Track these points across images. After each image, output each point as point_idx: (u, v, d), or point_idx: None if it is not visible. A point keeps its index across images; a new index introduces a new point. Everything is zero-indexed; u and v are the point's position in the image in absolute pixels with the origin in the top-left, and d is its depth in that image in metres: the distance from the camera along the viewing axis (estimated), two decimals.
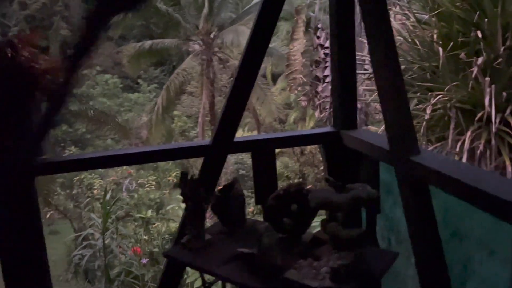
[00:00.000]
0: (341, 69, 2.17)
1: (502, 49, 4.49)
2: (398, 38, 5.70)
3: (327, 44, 8.71)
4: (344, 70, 2.17)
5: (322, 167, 9.76)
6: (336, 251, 1.67)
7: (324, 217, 1.79)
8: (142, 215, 6.70)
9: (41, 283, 2.16)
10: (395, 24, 6.02)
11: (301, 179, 11.55)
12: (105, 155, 2.17)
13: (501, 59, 4.50)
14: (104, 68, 16.72)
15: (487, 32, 4.61)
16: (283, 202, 1.87)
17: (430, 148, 5.15)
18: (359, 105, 8.66)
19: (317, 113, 8.80)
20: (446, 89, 4.80)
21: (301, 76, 9.68)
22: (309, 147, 10.52)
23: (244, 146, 2.32)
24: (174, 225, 6.61)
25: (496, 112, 4.44)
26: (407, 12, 5.80)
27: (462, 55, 4.68)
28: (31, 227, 2.08)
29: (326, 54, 8.85)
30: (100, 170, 9.52)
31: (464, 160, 4.65)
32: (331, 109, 3.52)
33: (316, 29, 9.36)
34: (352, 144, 2.14)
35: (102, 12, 1.48)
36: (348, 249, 1.65)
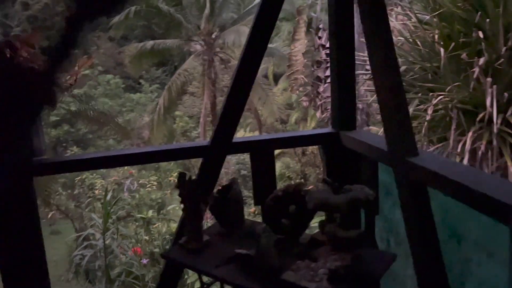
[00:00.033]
0: (340, 70, 2.16)
1: (503, 49, 4.48)
2: (399, 38, 5.69)
3: (328, 45, 8.68)
4: (343, 71, 2.16)
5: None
6: (334, 252, 1.67)
7: (323, 218, 1.79)
8: (143, 215, 6.70)
9: (40, 284, 2.16)
10: (396, 24, 6.01)
11: (302, 180, 11.55)
12: (103, 155, 2.17)
13: (502, 59, 4.48)
14: (106, 68, 16.74)
15: (489, 33, 4.59)
16: (281, 203, 1.86)
17: (432, 148, 5.13)
18: (360, 106, 8.64)
19: (318, 114, 8.79)
20: (447, 89, 4.79)
21: (303, 76, 9.67)
22: (310, 147, 10.51)
23: (243, 146, 2.32)
24: (175, 226, 6.61)
25: (498, 112, 4.42)
26: (408, 12, 5.79)
27: (464, 55, 4.66)
28: (30, 227, 2.08)
29: (327, 55, 8.83)
30: (101, 170, 9.53)
31: (465, 161, 4.64)
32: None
33: (318, 29, 9.36)
34: (351, 145, 2.14)
35: (82, 15, 1.49)
36: (346, 250, 1.65)
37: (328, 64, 9.29)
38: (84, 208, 8.09)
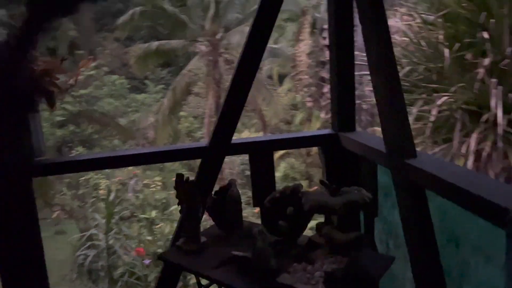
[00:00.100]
0: (340, 70, 2.15)
1: (509, 50, 4.44)
2: (404, 39, 5.66)
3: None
4: (343, 72, 2.15)
5: None
6: (331, 255, 1.65)
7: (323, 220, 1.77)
8: (146, 216, 6.71)
9: (40, 284, 2.16)
10: (401, 25, 5.98)
11: (307, 180, 11.52)
12: (102, 156, 2.17)
13: (507, 60, 4.44)
14: (111, 69, 16.81)
15: (494, 33, 4.56)
16: (279, 204, 1.85)
17: (436, 149, 5.10)
18: (365, 106, 8.61)
19: (322, 114, 8.76)
20: (452, 90, 4.76)
21: (307, 77, 9.65)
22: (315, 148, 10.48)
23: (241, 148, 2.31)
24: None
25: (503, 113, 4.39)
26: (413, 13, 5.76)
27: (469, 56, 4.63)
28: (29, 227, 2.08)
29: None
30: (106, 170, 9.55)
31: (470, 162, 4.60)
32: None
33: (322, 30, 9.34)
34: (350, 147, 2.12)
35: (40, 16, 1.50)
36: (343, 252, 1.63)
37: None
38: (88, 208, 8.11)
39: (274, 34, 14.63)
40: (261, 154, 2.24)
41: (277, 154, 12.11)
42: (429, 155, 1.82)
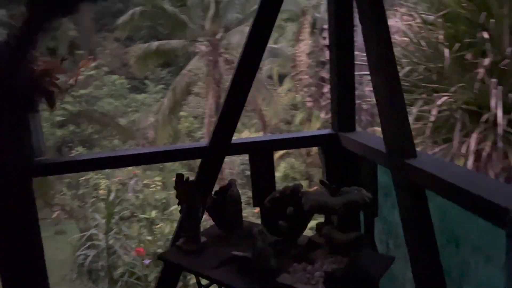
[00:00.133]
0: (340, 71, 2.15)
1: (509, 50, 4.44)
2: (404, 39, 5.66)
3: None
4: (342, 72, 2.15)
5: None
6: (331, 255, 1.65)
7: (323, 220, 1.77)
8: (146, 216, 6.71)
9: (39, 284, 2.16)
10: (401, 25, 5.98)
11: (307, 180, 11.52)
12: (101, 156, 2.17)
13: (507, 60, 4.44)
14: (111, 69, 16.81)
15: (494, 33, 4.56)
16: (279, 204, 1.85)
17: (436, 149, 5.10)
18: (365, 106, 8.60)
19: (322, 114, 8.76)
20: (452, 90, 4.76)
21: (307, 77, 9.65)
22: (315, 148, 10.48)
23: (241, 148, 2.31)
24: None
25: (503, 113, 4.39)
26: (413, 13, 5.76)
27: (468, 56, 4.63)
28: (29, 228, 2.08)
29: None
30: (106, 170, 9.55)
31: (470, 162, 4.60)
32: None
33: (322, 30, 9.34)
34: (350, 147, 2.12)
35: (40, 16, 1.50)
36: (343, 253, 1.63)
37: None
38: (88, 208, 8.11)
39: (274, 34, 14.63)
40: (261, 154, 2.24)
41: (277, 154, 12.11)
42: (429, 155, 1.82)
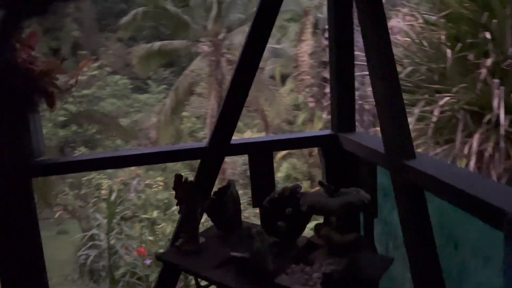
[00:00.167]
0: (340, 71, 2.15)
1: (511, 50, 4.43)
2: (406, 39, 5.65)
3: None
4: (342, 72, 2.14)
5: None
6: (330, 256, 1.65)
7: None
8: (147, 216, 6.71)
9: (39, 284, 2.16)
10: (403, 25, 5.97)
11: (309, 181, 11.51)
12: (100, 157, 2.17)
13: (510, 60, 4.43)
14: (114, 69, 16.84)
15: (496, 33, 4.55)
16: (278, 205, 1.85)
17: (438, 150, 5.09)
18: (367, 107, 8.59)
19: (324, 115, 8.75)
20: (454, 91, 4.74)
21: (309, 77, 9.64)
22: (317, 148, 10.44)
23: (241, 148, 2.30)
24: None
25: (505, 114, 4.37)
26: (415, 13, 5.75)
27: (471, 56, 4.62)
28: (29, 228, 2.08)
29: None
30: (108, 170, 9.58)
31: (472, 163, 4.59)
32: None
33: (324, 30, 9.32)
34: (350, 147, 2.12)
35: (14, 17, 1.50)
36: (342, 254, 1.63)
37: None
38: (90, 208, 8.13)
39: (276, 34, 14.64)
40: (260, 155, 2.24)
41: (279, 154, 12.10)
42: (428, 156, 1.81)
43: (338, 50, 2.14)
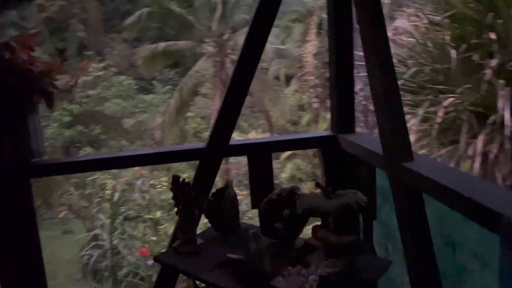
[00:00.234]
0: (339, 72, 2.13)
1: None
2: (410, 39, 5.62)
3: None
4: (341, 73, 2.13)
5: None
6: (327, 258, 1.64)
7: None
8: (151, 216, 6.73)
9: (37, 284, 2.17)
10: (408, 25, 5.93)
11: (313, 181, 11.48)
12: (100, 157, 2.17)
13: None
14: (119, 70, 16.91)
15: (501, 34, 4.50)
16: (276, 207, 1.84)
17: (442, 151, 5.05)
18: (372, 107, 8.56)
19: (329, 115, 8.70)
20: (458, 91, 4.71)
21: (313, 78, 9.61)
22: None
23: (240, 149, 2.30)
24: None
25: (510, 115, 4.32)
26: (419, 13, 5.71)
27: (475, 57, 4.57)
28: (28, 228, 2.09)
29: None
30: (113, 170, 9.61)
31: (476, 164, 4.55)
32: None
33: None
34: (349, 149, 2.10)
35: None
36: (339, 256, 1.61)
37: None
38: (95, 208, 8.16)
39: (281, 35, 14.62)
40: (260, 156, 2.23)
41: (284, 155, 12.09)
42: (426, 158, 1.79)
43: (338, 51, 2.13)
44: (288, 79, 15.30)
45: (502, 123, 4.42)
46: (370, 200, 1.89)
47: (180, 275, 2.37)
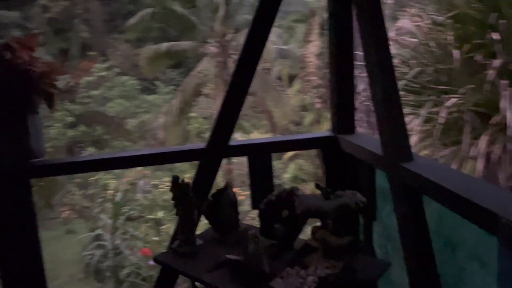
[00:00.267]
0: (339, 73, 2.13)
1: None
2: (413, 40, 5.60)
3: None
4: (341, 74, 2.12)
5: None
6: (326, 259, 1.63)
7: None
8: (153, 216, 6.74)
9: (37, 284, 2.17)
10: (410, 26, 5.91)
11: (316, 182, 11.44)
12: (100, 158, 2.17)
13: None
14: (123, 70, 16.93)
15: (504, 34, 4.48)
16: (275, 207, 1.83)
17: (445, 152, 5.03)
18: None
19: None
20: (461, 92, 4.69)
21: (316, 78, 9.60)
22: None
23: (240, 149, 2.29)
24: None
25: None
26: (422, 14, 5.69)
27: (478, 57, 4.55)
28: (28, 228, 2.10)
29: None
30: (116, 170, 9.63)
31: (479, 165, 4.53)
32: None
33: None
34: (349, 149, 2.10)
35: None
36: (337, 257, 1.61)
37: None
38: (97, 208, 8.18)
39: (284, 35, 14.61)
40: (259, 156, 2.23)
41: (286, 155, 12.07)
42: (426, 159, 1.78)
43: (338, 51, 2.12)
44: (291, 79, 15.29)
45: (505, 124, 4.40)
46: (370, 201, 1.89)
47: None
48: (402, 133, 1.64)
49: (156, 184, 9.93)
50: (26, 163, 2.05)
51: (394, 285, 1.94)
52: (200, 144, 2.28)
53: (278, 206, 1.81)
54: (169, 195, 1.92)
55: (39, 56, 2.17)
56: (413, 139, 4.96)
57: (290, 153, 11.94)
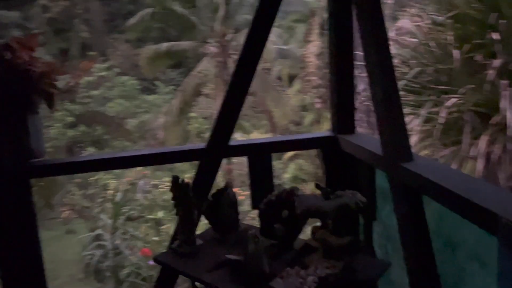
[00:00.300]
0: (339, 73, 2.13)
1: None
2: (413, 40, 5.60)
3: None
4: (341, 74, 2.12)
5: None
6: (326, 259, 1.63)
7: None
8: (153, 216, 6.74)
9: (37, 284, 2.17)
10: (410, 26, 5.91)
11: (316, 181, 11.44)
12: (99, 158, 2.17)
13: None
14: (123, 70, 16.93)
15: (504, 34, 4.48)
16: (275, 207, 1.83)
17: (445, 152, 5.03)
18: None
19: None
20: (461, 92, 4.69)
21: (316, 78, 9.61)
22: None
23: (239, 150, 2.29)
24: None
25: None
26: (422, 14, 5.69)
27: (478, 57, 4.55)
28: (28, 228, 2.10)
29: None
30: (116, 170, 9.63)
31: (479, 165, 4.53)
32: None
33: None
34: (349, 149, 2.10)
35: None
36: (337, 257, 1.61)
37: None
38: (96, 208, 8.18)
39: (284, 35, 14.61)
40: (259, 156, 2.23)
41: (286, 155, 12.07)
42: (426, 158, 1.78)
43: (338, 51, 2.12)
44: (291, 79, 15.28)
45: (505, 124, 4.40)
46: (370, 201, 1.89)
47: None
48: (402, 133, 1.64)
49: (156, 184, 9.92)
50: (26, 163, 2.05)
51: (394, 285, 1.94)
52: (200, 144, 2.28)
53: (278, 206, 1.81)
54: (169, 195, 1.92)
55: (39, 56, 2.17)
56: (413, 139, 4.96)
57: (290, 153, 11.94)
